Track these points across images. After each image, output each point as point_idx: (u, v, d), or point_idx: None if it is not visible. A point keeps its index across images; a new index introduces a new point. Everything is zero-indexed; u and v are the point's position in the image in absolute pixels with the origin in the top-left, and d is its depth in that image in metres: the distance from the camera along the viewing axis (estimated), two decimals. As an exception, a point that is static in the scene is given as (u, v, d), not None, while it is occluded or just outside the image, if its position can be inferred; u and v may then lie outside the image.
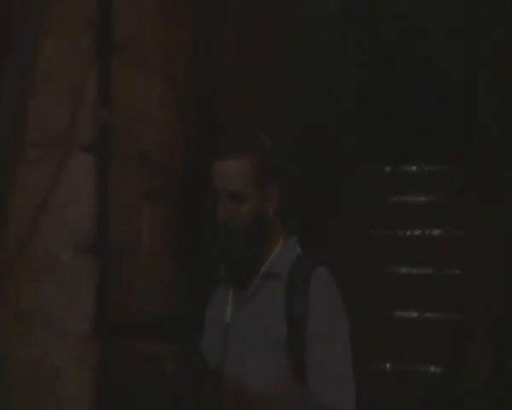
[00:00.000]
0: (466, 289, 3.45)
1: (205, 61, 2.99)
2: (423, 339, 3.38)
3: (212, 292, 1.76)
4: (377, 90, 4.42)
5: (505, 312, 3.19)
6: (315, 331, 1.59)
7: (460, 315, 3.24)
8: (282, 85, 3.63)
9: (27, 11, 2.26)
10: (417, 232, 3.92)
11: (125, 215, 2.34)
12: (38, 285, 2.10)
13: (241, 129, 1.78)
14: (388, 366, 3.47)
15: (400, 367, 3.43)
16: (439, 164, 4.15)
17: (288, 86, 3.68)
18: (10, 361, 2.06)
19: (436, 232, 3.90)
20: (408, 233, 3.93)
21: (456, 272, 3.64)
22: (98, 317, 2.07)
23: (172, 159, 2.63)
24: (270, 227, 1.67)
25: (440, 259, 3.72)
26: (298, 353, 1.58)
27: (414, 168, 4.28)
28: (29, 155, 2.15)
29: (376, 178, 4.33)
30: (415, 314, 3.58)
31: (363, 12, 4.45)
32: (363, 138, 4.19)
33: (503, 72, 3.73)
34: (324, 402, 1.58)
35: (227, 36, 3.18)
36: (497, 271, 3.40)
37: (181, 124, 2.72)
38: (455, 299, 3.46)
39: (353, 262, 3.82)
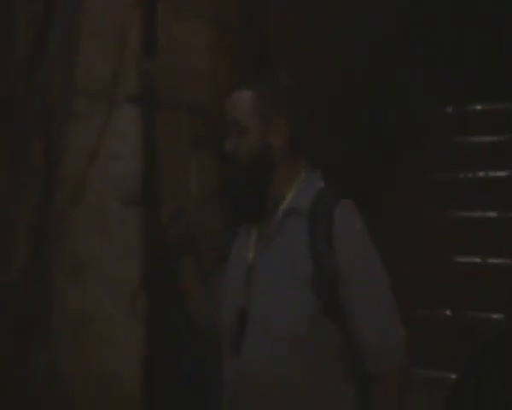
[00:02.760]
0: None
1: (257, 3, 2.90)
2: (486, 285, 3.29)
3: (236, 233, 1.76)
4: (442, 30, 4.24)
5: None
6: (346, 268, 1.56)
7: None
8: (342, 29, 3.51)
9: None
10: (481, 174, 3.77)
11: (174, 165, 2.33)
12: (90, 238, 2.12)
13: (259, 65, 1.78)
14: (450, 312, 3.40)
15: (462, 314, 3.35)
16: (504, 102, 3.96)
17: (348, 30, 3.55)
18: (60, 312, 2.11)
19: (501, 174, 3.74)
20: (470, 175, 3.79)
21: (522, 215, 3.50)
22: (148, 269, 2.08)
23: (222, 105, 2.59)
24: (282, 162, 1.64)
25: (505, 202, 3.57)
26: (325, 289, 1.55)
27: (478, 107, 4.10)
28: (76, 108, 2.16)
29: (439, 118, 4.18)
30: (478, 260, 3.47)
31: None
32: (426, 79, 4.03)
33: None
34: (370, 340, 1.57)
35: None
36: None
37: (232, 69, 2.66)
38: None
39: (413, 207, 3.73)
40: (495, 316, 3.21)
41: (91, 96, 2.16)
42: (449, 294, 3.42)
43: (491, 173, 3.76)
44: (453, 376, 2.64)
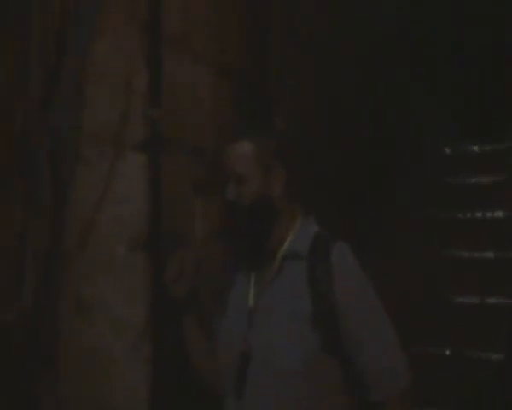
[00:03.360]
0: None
1: (257, 45, 2.98)
2: (484, 325, 3.32)
3: (233, 279, 1.81)
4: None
5: None
6: (346, 304, 1.63)
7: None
8: (338, 69, 3.59)
9: (81, 11, 2.32)
10: (478, 214, 3.83)
11: (179, 208, 2.38)
12: (96, 279, 2.17)
13: (251, 116, 1.83)
14: (448, 352, 3.43)
15: (461, 354, 3.38)
16: (502, 143, 4.04)
17: (344, 70, 3.64)
18: (70, 350, 2.15)
19: (498, 214, 3.79)
20: (468, 215, 3.84)
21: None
22: (153, 309, 2.13)
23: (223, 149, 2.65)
24: (281, 209, 1.72)
25: (503, 242, 3.62)
26: (325, 327, 1.62)
27: (475, 148, 4.18)
28: (83, 152, 2.22)
29: (436, 159, 4.25)
30: (476, 300, 3.51)
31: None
32: (421, 118, 4.11)
33: None
34: (372, 366, 1.62)
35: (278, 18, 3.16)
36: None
37: (234, 111, 2.73)
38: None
39: (412, 246, 3.77)
40: (494, 356, 3.24)
41: (99, 141, 2.23)
42: (448, 333, 3.45)
43: (489, 214, 3.82)
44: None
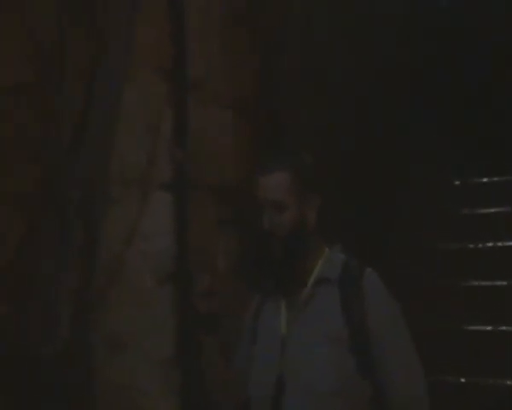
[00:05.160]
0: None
1: (274, 86, 3.11)
2: (497, 353, 3.38)
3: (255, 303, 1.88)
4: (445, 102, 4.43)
5: None
6: (377, 328, 1.71)
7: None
8: (349, 103, 3.70)
9: (108, 56, 2.46)
10: (489, 244, 3.91)
11: (203, 242, 2.49)
12: (125, 313, 2.28)
13: (281, 147, 1.91)
14: (463, 380, 3.48)
15: (475, 381, 3.43)
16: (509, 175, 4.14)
17: (356, 103, 3.75)
18: (100, 383, 2.24)
19: (509, 244, 3.87)
20: (480, 246, 3.92)
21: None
22: (181, 342, 2.22)
23: (247, 186, 2.76)
24: (313, 236, 1.79)
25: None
26: (360, 349, 1.70)
27: (484, 180, 4.28)
28: (113, 193, 2.34)
29: (446, 191, 4.35)
30: (489, 328, 3.57)
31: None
32: (432, 152, 4.21)
33: None
34: (400, 392, 1.71)
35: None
36: None
37: (255, 151, 2.84)
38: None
39: (424, 276, 3.85)
40: (508, 382, 3.30)
41: (127, 182, 2.35)
42: (462, 362, 3.50)
43: (500, 243, 3.90)
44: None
